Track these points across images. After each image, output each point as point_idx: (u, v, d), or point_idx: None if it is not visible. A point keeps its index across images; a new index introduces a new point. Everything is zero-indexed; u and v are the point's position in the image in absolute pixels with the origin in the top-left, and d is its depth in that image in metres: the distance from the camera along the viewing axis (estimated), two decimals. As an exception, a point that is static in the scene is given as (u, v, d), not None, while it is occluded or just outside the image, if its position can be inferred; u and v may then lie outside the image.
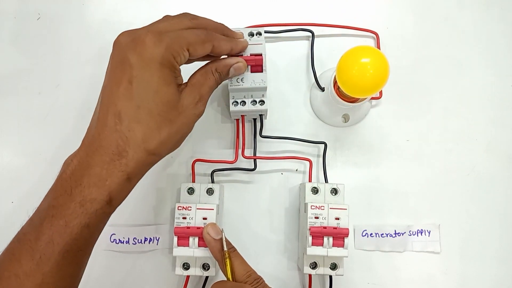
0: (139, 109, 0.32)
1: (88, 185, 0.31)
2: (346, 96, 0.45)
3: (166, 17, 0.37)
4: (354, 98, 0.45)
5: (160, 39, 0.33)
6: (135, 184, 0.34)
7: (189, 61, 0.40)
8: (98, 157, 0.32)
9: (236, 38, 0.41)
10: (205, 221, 0.42)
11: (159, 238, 0.48)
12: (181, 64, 0.35)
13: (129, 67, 0.32)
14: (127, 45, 0.33)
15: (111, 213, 0.34)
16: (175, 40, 0.34)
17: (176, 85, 0.35)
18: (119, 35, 0.34)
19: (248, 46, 0.43)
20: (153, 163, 0.35)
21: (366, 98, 0.46)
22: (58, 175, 0.33)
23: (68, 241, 0.31)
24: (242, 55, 0.42)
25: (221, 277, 0.48)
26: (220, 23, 0.40)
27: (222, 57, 0.41)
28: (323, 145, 0.49)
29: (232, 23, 0.51)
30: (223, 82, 0.50)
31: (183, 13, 0.38)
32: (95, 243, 0.35)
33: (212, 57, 0.40)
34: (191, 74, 0.38)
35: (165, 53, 0.33)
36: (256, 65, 0.42)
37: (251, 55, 0.42)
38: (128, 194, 0.34)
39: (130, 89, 0.32)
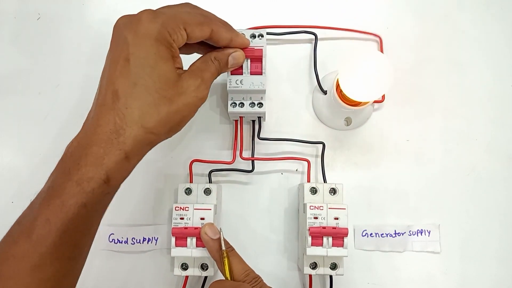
0: (136, 85, 0.32)
1: (85, 164, 0.31)
2: (348, 99, 0.45)
3: (167, 5, 0.37)
4: (357, 101, 0.45)
5: (156, 16, 0.33)
6: (135, 164, 0.34)
7: (188, 47, 0.39)
8: (96, 136, 0.31)
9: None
10: (202, 221, 0.42)
11: (157, 238, 0.48)
12: (179, 45, 0.35)
13: (125, 45, 0.32)
14: (124, 24, 0.33)
15: (111, 194, 0.33)
16: (171, 18, 0.34)
17: (173, 63, 0.34)
18: (118, 19, 0.34)
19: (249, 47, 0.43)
20: (152, 142, 0.34)
21: (368, 102, 0.46)
22: (60, 158, 0.33)
23: (65, 221, 0.30)
24: None
25: (220, 277, 0.48)
26: (223, 19, 0.40)
27: None
28: (322, 145, 0.49)
29: (234, 24, 0.52)
30: (223, 82, 0.51)
31: (185, 2, 0.38)
32: (96, 227, 0.34)
33: (212, 48, 0.40)
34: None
35: (161, 28, 0.33)
36: (255, 58, 0.42)
37: (251, 57, 0.42)
38: (128, 174, 0.34)
39: (127, 66, 0.32)
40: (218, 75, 0.39)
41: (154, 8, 0.55)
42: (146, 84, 0.32)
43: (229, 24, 0.40)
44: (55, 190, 0.31)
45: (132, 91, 0.32)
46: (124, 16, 0.35)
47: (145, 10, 0.34)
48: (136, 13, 0.34)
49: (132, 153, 0.32)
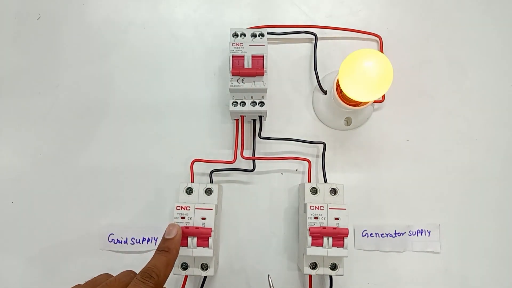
0: None
1: None
2: (348, 99, 0.45)
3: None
4: (357, 102, 0.45)
5: None
6: None
7: None
8: None
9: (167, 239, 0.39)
10: (204, 221, 0.42)
11: (157, 238, 0.48)
12: None
13: None
14: None
15: None
16: None
17: None
18: None
19: (250, 47, 0.43)
20: None
21: (368, 102, 0.46)
22: None
23: None
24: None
25: (220, 277, 0.48)
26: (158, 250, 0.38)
27: None
28: (323, 145, 0.49)
29: (235, 24, 0.52)
30: (224, 82, 0.50)
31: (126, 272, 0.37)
32: None
33: None
34: None
35: None
36: (257, 57, 0.42)
37: (252, 56, 0.42)
38: None
39: None
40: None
41: (153, 8, 0.54)
42: None
43: (161, 248, 0.38)
44: None
45: None
46: None
47: None
48: None
49: None
